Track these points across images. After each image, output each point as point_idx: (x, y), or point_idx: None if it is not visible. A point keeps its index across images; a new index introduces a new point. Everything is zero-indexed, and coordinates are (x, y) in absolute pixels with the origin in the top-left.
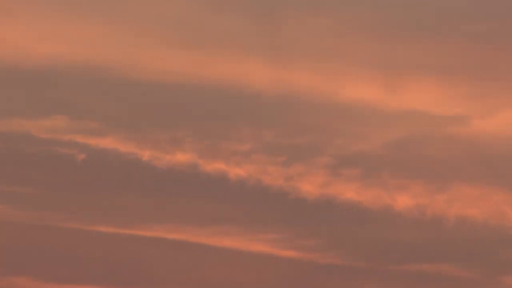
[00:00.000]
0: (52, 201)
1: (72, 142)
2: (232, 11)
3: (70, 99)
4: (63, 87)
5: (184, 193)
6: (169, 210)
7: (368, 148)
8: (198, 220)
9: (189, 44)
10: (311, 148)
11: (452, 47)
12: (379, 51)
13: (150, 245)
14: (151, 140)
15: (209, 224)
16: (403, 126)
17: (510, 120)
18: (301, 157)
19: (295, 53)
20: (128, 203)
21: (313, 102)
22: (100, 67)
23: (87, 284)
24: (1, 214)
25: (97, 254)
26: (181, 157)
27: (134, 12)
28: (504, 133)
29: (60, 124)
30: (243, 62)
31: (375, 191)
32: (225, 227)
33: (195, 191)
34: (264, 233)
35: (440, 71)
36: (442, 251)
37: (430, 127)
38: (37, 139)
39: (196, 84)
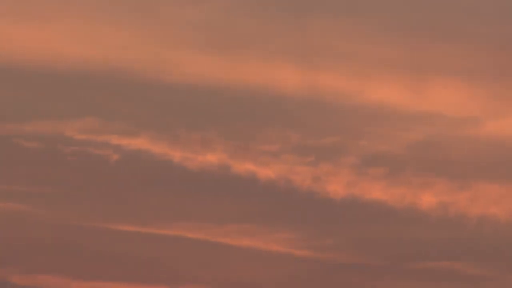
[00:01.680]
0: (82, 201)
1: (105, 143)
2: (260, 15)
3: (103, 100)
4: (95, 89)
5: (213, 193)
6: (197, 209)
7: (393, 148)
8: (225, 220)
9: (219, 47)
10: (338, 148)
11: (474, 50)
12: (404, 54)
13: (174, 244)
14: (182, 141)
15: (235, 224)
16: (426, 126)
17: None
18: (328, 157)
19: (322, 56)
20: (157, 203)
21: (339, 104)
22: (131, 70)
23: (112, 281)
24: (33, 214)
25: (122, 252)
26: (211, 158)
27: (165, 16)
28: None
29: (93, 125)
30: (271, 65)
31: (399, 190)
32: (251, 227)
33: (225, 192)
34: (288, 232)
35: (463, 73)
36: (464, 249)
37: (453, 128)
38: (72, 140)
39: (225, 87)
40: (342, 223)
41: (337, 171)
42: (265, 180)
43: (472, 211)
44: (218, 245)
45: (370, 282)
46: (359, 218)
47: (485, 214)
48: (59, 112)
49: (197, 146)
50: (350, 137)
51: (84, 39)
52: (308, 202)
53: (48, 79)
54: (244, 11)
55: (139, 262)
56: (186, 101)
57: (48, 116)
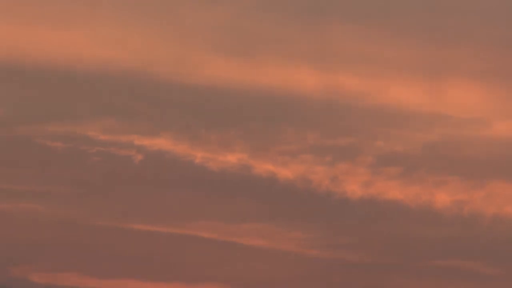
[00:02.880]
0: (104, 201)
1: (129, 144)
2: (279, 18)
3: (124, 101)
4: (117, 90)
5: (233, 193)
6: (216, 209)
7: (408, 149)
8: (242, 220)
9: (239, 49)
10: (355, 148)
11: (489, 52)
12: (420, 56)
13: (191, 243)
14: (203, 141)
15: (252, 223)
16: (441, 127)
17: None
18: (345, 157)
19: (339, 58)
20: (177, 203)
21: (356, 105)
22: (152, 71)
23: (128, 278)
24: (53, 214)
25: (141, 251)
26: (232, 158)
27: (185, 18)
28: None
29: (116, 126)
30: (289, 66)
31: (415, 190)
32: (269, 226)
33: (245, 192)
34: (304, 231)
35: (477, 75)
36: (478, 248)
37: (468, 128)
38: (95, 141)
39: (245, 88)
40: (359, 222)
41: (354, 170)
42: (284, 180)
43: (487, 210)
44: (234, 244)
45: (385, 280)
46: (376, 217)
47: (499, 213)
48: (81, 113)
49: (217, 146)
50: (367, 138)
51: (106, 41)
52: (325, 202)
53: (70, 81)
54: (263, 14)
55: (157, 260)
56: (206, 102)
57: (71, 116)
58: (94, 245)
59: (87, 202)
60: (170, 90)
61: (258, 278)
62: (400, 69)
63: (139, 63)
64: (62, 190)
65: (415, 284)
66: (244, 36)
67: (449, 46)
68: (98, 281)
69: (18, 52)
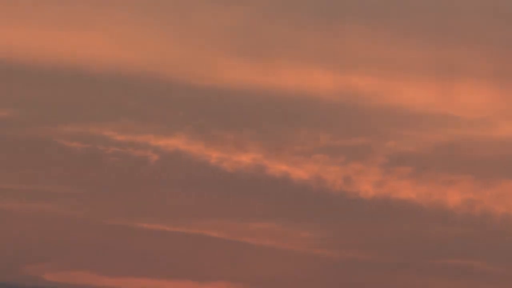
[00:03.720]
0: (119, 201)
1: (145, 144)
2: (293, 20)
3: (140, 102)
4: (133, 91)
5: (247, 193)
6: (229, 209)
7: (419, 149)
8: (254, 219)
9: (253, 51)
10: (367, 149)
11: (499, 53)
12: (431, 58)
13: (202, 242)
14: (218, 142)
15: (263, 223)
16: (452, 128)
17: None
18: (357, 157)
19: (353, 59)
20: (191, 203)
21: (369, 106)
22: (167, 73)
23: (139, 277)
24: (66, 214)
25: (152, 249)
26: (246, 159)
27: (200, 20)
28: None
29: (132, 126)
30: (303, 68)
31: (427, 189)
32: (282, 226)
33: (259, 192)
34: (316, 231)
35: (488, 76)
36: (488, 247)
37: (478, 129)
38: (112, 141)
39: (259, 89)
40: (371, 222)
41: (367, 170)
42: (298, 181)
43: (497, 210)
44: (245, 243)
45: (394, 280)
46: (388, 216)
47: (510, 213)
48: (98, 114)
49: (232, 147)
50: (379, 138)
51: (122, 44)
52: (338, 202)
53: (86, 82)
54: (278, 16)
55: (169, 259)
56: (221, 103)
57: (87, 117)
58: (106, 244)
59: (99, 202)
60: (185, 92)
61: (269, 277)
62: (413, 70)
63: (154, 64)
64: (76, 190)
65: (425, 282)
66: (258, 38)
67: (460, 48)
68: (110, 279)
69: (36, 55)
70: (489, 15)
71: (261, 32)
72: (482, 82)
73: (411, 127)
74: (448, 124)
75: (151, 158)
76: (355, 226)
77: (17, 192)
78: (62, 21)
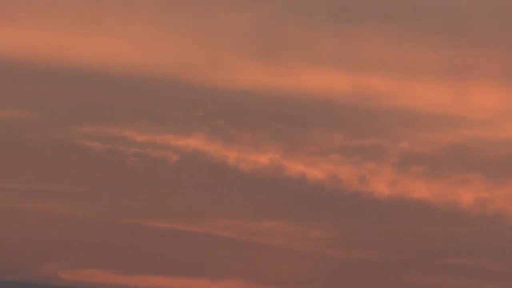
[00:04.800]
0: (137, 200)
1: (164, 145)
2: (309, 23)
3: (159, 104)
4: (151, 93)
5: (264, 193)
6: (243, 209)
7: (432, 149)
8: (267, 219)
9: (270, 53)
10: (381, 149)
11: None
12: (445, 60)
13: (215, 241)
14: (236, 143)
15: (276, 221)
16: (465, 129)
17: None
18: (372, 157)
19: (367, 61)
20: (208, 202)
21: (383, 107)
22: (185, 75)
23: (154, 275)
24: (81, 213)
25: (164, 248)
26: (263, 159)
27: (218, 23)
28: None
29: (151, 127)
30: (319, 70)
31: (440, 189)
32: (296, 225)
33: (276, 191)
34: (328, 230)
35: (501, 78)
36: (501, 246)
37: (491, 130)
38: (133, 142)
39: (275, 90)
40: (386, 221)
41: (381, 170)
42: (314, 181)
43: (510, 209)
44: (258, 243)
45: (408, 279)
46: (402, 216)
47: None
48: (117, 115)
49: (249, 147)
50: (392, 139)
51: (142, 47)
52: (353, 202)
53: (107, 84)
54: (294, 19)
55: (183, 258)
56: (238, 104)
57: (107, 118)
58: (121, 243)
59: (115, 201)
60: (203, 93)
61: (283, 276)
62: (425, 72)
63: (173, 66)
64: (92, 190)
65: (439, 281)
66: (274, 40)
67: (472, 50)
68: (124, 277)
69: (57, 57)
70: (501, 18)
71: (277, 34)
72: (493, 83)
73: (424, 128)
74: (460, 125)
75: (170, 158)
76: (368, 225)
77: (34, 192)
78: (83, 24)
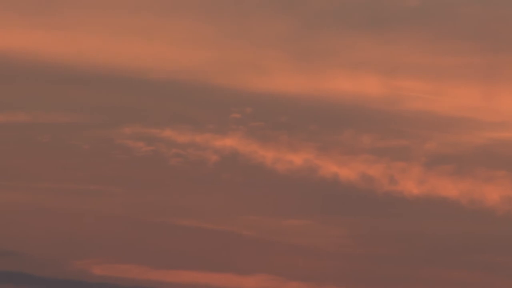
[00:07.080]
0: (175, 200)
1: (204, 146)
2: (343, 27)
3: (194, 107)
4: (188, 96)
5: (298, 192)
6: (275, 208)
7: (460, 151)
8: (294, 217)
9: (305, 57)
10: (410, 150)
11: None
12: (476, 64)
13: (246, 239)
14: (271, 144)
15: (303, 220)
16: (493, 130)
17: None
18: (401, 158)
19: (400, 65)
20: (241, 201)
21: (414, 109)
22: (223, 78)
23: (184, 269)
24: (117, 212)
25: (195, 245)
26: (297, 159)
27: (255, 29)
28: None
29: (190, 129)
30: (352, 73)
31: (466, 187)
32: (321, 224)
33: (308, 192)
34: (354, 229)
35: None
36: None
37: None
38: (173, 143)
39: (310, 93)
40: (415, 219)
41: (410, 170)
42: (346, 181)
43: None
44: (282, 241)
45: (436, 274)
46: (430, 214)
47: None
48: (156, 117)
49: (285, 148)
50: (421, 140)
51: (183, 50)
52: (383, 200)
53: (147, 87)
54: (328, 23)
55: (212, 254)
56: (275, 107)
57: (149, 120)
58: (153, 240)
59: (150, 200)
60: (241, 96)
61: (308, 271)
62: (458, 76)
63: (213, 70)
64: (130, 189)
65: (462, 278)
66: (310, 44)
67: (500, 54)
68: (155, 272)
69: (103, 63)
70: None
71: (312, 39)
72: None
73: (451, 130)
74: (486, 126)
75: (208, 159)
76: (397, 223)
77: (70, 192)
78: (128, 30)
